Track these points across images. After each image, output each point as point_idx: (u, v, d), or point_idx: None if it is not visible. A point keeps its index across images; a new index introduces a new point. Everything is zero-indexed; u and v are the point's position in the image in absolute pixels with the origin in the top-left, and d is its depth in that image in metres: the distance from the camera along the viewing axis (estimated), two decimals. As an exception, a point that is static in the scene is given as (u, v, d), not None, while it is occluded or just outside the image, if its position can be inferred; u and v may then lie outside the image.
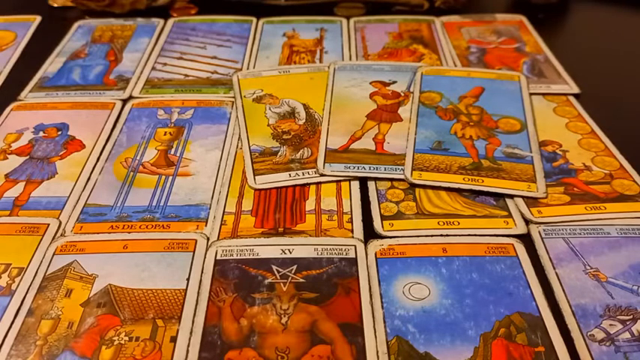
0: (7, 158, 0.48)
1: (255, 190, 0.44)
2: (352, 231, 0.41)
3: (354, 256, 0.39)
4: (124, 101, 0.54)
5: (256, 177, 0.45)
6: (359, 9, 0.69)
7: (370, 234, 0.41)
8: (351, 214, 0.42)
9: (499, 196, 0.44)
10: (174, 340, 0.34)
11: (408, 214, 0.42)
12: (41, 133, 0.50)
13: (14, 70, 0.60)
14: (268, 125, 0.50)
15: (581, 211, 0.42)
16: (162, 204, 0.43)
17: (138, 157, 0.48)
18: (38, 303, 0.36)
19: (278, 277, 0.38)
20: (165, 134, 0.50)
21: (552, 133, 0.50)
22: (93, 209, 0.43)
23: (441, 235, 0.41)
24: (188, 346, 0.34)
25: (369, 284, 0.37)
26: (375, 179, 0.45)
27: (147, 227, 0.41)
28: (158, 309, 0.36)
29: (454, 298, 0.37)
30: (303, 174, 0.45)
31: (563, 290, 0.37)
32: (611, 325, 0.35)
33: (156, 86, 0.56)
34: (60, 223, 0.42)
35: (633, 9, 0.71)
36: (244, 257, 0.39)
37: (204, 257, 0.39)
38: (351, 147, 0.48)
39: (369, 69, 0.57)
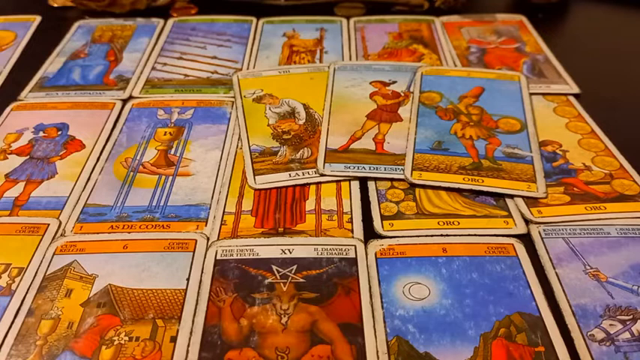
0: (7, 158, 0.48)
1: (255, 190, 0.44)
2: (352, 231, 0.41)
3: (354, 256, 0.39)
4: (124, 101, 0.54)
5: (256, 177, 0.45)
6: (359, 9, 0.69)
7: (370, 234, 0.41)
8: (351, 214, 0.42)
9: (499, 196, 0.44)
10: (174, 340, 0.34)
11: (408, 214, 0.42)
12: (41, 133, 0.50)
13: (14, 70, 0.60)
14: (268, 125, 0.50)
15: (581, 211, 0.42)
16: (162, 204, 0.43)
17: (138, 157, 0.48)
18: (38, 303, 0.36)
19: (278, 277, 0.38)
20: (165, 134, 0.50)
21: (552, 133, 0.50)
22: (93, 209, 0.43)
23: (441, 235, 0.41)
24: (188, 346, 0.34)
25: (369, 284, 0.37)
26: (375, 179, 0.45)
27: (147, 227, 0.41)
28: (158, 309, 0.36)
29: (454, 298, 0.37)
30: (303, 174, 0.45)
31: (563, 290, 0.37)
32: (611, 325, 0.35)
33: (156, 86, 0.56)
34: (60, 223, 0.42)
35: (633, 9, 0.70)
36: (244, 257, 0.39)
37: (204, 257, 0.39)
38: (351, 147, 0.48)
39: (369, 69, 0.57)
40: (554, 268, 0.38)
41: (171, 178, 0.46)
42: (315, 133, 0.49)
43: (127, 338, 0.34)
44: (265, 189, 0.44)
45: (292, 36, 0.64)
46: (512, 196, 0.43)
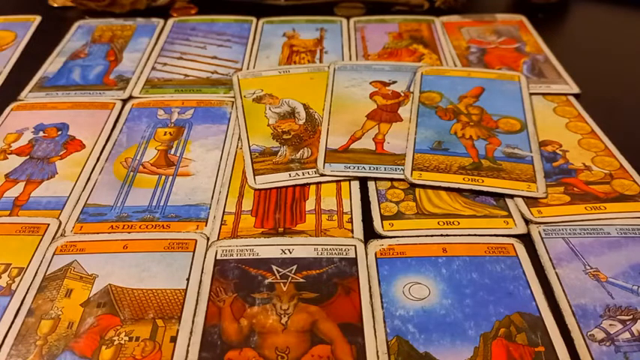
0: (7, 158, 0.48)
1: (255, 190, 0.44)
2: (352, 231, 0.41)
3: (354, 256, 0.39)
4: (124, 101, 0.54)
5: (256, 177, 0.45)
6: (359, 9, 0.69)
7: (370, 234, 0.41)
8: (351, 214, 0.42)
9: (499, 196, 0.44)
10: (174, 340, 0.34)
11: (408, 214, 0.42)
12: (41, 133, 0.50)
13: (14, 70, 0.60)
14: (268, 125, 0.50)
15: (581, 211, 0.42)
16: (162, 204, 0.43)
17: (138, 157, 0.48)
18: (38, 303, 0.36)
19: (278, 277, 0.38)
20: (165, 134, 0.50)
21: (552, 133, 0.50)
22: (93, 209, 0.43)
23: (441, 235, 0.41)
24: (188, 346, 0.34)
25: (369, 284, 0.37)
26: (375, 179, 0.45)
27: (147, 227, 0.41)
28: (158, 309, 0.36)
29: (454, 298, 0.37)
30: (303, 174, 0.45)
31: (563, 290, 0.37)
32: (611, 325, 0.35)
33: (156, 86, 0.56)
34: (60, 223, 0.42)
35: (633, 9, 0.70)
36: (244, 257, 0.39)
37: (204, 257, 0.39)
38: (351, 147, 0.48)
39: (369, 69, 0.57)
40: (554, 268, 0.38)
41: (171, 178, 0.46)
42: (315, 133, 0.49)
43: (127, 338, 0.34)
44: (265, 189, 0.44)
45: (292, 36, 0.64)
46: (512, 196, 0.43)
